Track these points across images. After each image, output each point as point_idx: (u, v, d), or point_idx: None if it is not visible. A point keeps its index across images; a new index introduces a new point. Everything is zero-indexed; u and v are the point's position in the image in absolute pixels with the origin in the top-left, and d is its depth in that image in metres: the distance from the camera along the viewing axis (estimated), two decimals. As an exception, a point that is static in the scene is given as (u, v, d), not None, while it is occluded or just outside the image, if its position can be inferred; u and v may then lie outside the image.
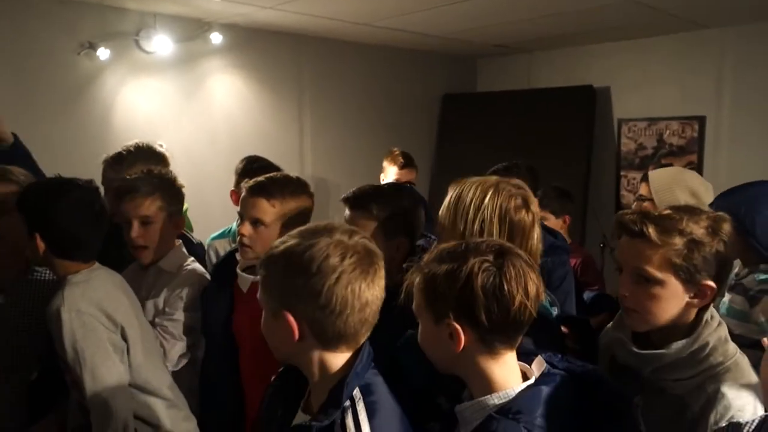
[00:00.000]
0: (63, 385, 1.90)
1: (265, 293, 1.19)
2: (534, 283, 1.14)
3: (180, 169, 2.45)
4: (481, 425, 1.13)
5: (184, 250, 2.23)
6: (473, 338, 1.13)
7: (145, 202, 2.07)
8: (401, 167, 3.95)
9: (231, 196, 3.04)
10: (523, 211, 1.55)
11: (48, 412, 1.99)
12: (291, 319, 1.13)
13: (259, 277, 1.91)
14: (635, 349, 1.38)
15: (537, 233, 1.58)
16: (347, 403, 1.12)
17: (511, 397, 1.14)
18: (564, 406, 1.14)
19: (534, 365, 1.20)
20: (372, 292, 1.15)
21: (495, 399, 1.14)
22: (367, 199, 1.85)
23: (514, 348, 1.18)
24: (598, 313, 2.84)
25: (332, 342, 1.15)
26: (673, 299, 1.33)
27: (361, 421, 1.09)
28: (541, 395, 1.13)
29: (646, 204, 2.70)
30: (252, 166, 3.00)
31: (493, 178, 1.61)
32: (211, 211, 3.57)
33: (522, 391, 1.15)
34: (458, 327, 1.13)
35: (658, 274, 1.32)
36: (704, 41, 4.46)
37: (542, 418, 1.10)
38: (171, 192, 2.15)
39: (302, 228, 1.21)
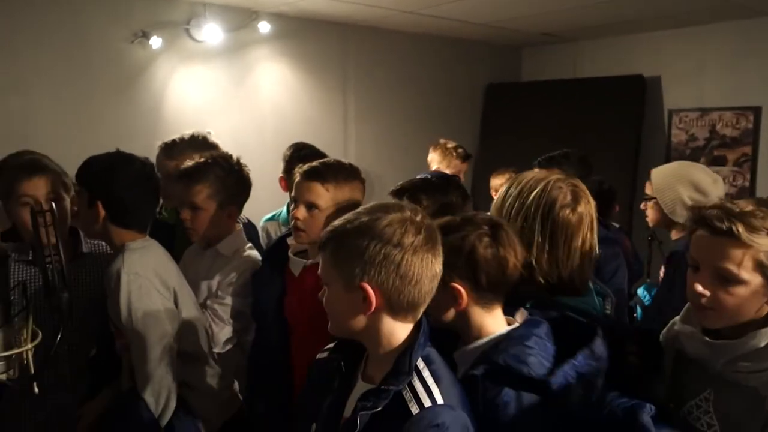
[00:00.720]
0: (119, 360, 1.98)
1: (336, 267, 1.22)
2: (520, 248, 1.38)
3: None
4: (476, 360, 1.30)
5: (244, 236, 2.27)
6: (473, 297, 1.33)
7: (195, 190, 2.12)
8: (463, 160, 3.97)
9: (280, 182, 3.08)
10: (569, 210, 1.50)
11: (105, 387, 2.06)
12: (370, 289, 1.19)
13: (310, 261, 1.98)
14: (709, 339, 1.34)
15: (585, 236, 1.53)
16: None
17: (500, 336, 1.34)
18: (545, 339, 1.32)
19: (517, 315, 1.40)
20: (438, 266, 1.24)
21: (486, 339, 1.34)
22: (416, 191, 1.90)
23: (503, 302, 1.38)
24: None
25: (403, 311, 1.22)
26: (754, 299, 1.29)
27: (430, 386, 1.18)
28: (525, 331, 1.32)
29: (650, 204, 2.63)
30: (300, 153, 3.04)
31: (546, 174, 1.58)
32: (257, 197, 3.62)
33: (509, 330, 1.35)
34: (461, 289, 1.31)
35: (745, 275, 1.27)
36: (760, 28, 4.32)
37: (529, 348, 1.28)
38: (226, 183, 2.17)
39: (368, 206, 1.27)
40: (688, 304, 1.45)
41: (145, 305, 1.82)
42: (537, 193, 1.51)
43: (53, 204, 1.59)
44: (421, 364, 1.21)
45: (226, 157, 2.25)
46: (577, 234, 1.51)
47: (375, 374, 1.25)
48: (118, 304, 1.80)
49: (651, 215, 2.65)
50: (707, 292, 1.31)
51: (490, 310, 1.36)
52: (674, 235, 2.60)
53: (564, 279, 1.52)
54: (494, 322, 1.36)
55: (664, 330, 1.53)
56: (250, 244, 2.26)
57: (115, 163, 1.92)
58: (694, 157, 4.62)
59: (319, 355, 1.42)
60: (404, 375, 1.18)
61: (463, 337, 1.38)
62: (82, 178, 1.93)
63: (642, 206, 2.68)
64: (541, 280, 1.50)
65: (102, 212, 1.88)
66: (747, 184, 4.39)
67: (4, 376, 1.37)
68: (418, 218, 1.23)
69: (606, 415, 1.31)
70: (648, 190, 2.64)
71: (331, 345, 1.38)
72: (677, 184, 2.51)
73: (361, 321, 1.22)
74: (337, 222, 1.25)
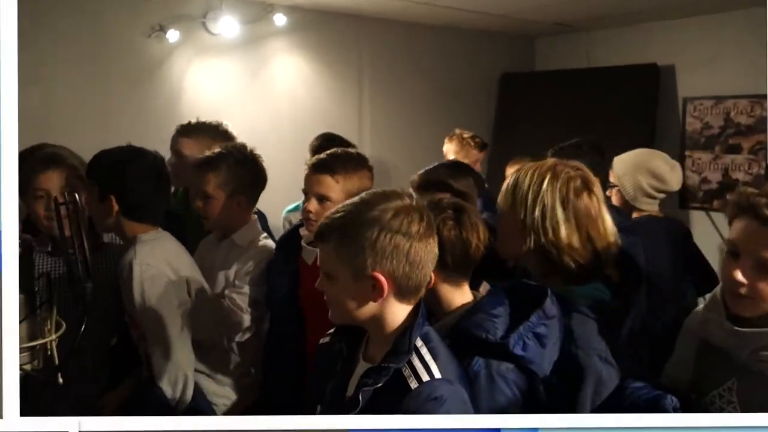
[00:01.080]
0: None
1: (343, 258, 1.25)
2: (483, 230, 1.48)
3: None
4: (452, 327, 1.40)
5: (259, 226, 2.30)
6: (440, 276, 1.43)
7: (206, 179, 2.15)
8: (480, 150, 3.99)
9: None
10: (585, 194, 1.52)
11: (126, 377, 2.09)
12: (382, 277, 1.23)
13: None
14: (736, 328, 1.31)
15: (606, 218, 1.54)
16: None
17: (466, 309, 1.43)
18: (508, 303, 1.40)
19: (481, 289, 1.55)
20: (436, 248, 1.31)
21: (455, 313, 1.43)
22: (443, 176, 2.03)
23: (469, 279, 1.50)
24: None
25: (408, 294, 1.28)
26: None
27: (428, 362, 1.23)
28: (490, 298, 1.43)
29: (613, 191, 2.67)
30: (328, 143, 3.05)
31: (550, 161, 1.59)
32: (274, 188, 3.65)
33: (474, 302, 1.46)
34: None
35: None
36: (776, 16, 4.26)
37: (490, 314, 1.36)
38: (238, 173, 2.18)
39: (366, 195, 1.30)
40: (713, 292, 1.42)
41: (158, 295, 1.84)
42: (548, 180, 1.52)
43: (76, 195, 1.62)
44: (419, 342, 1.25)
45: (240, 148, 2.27)
46: (599, 218, 1.53)
47: (376, 354, 1.29)
48: (131, 294, 1.83)
49: (615, 201, 2.71)
50: (746, 281, 1.29)
51: (457, 286, 1.48)
52: (634, 215, 2.68)
53: (593, 259, 1.52)
54: (462, 297, 1.48)
55: (688, 318, 1.51)
56: (265, 234, 2.28)
57: (127, 157, 1.94)
58: (708, 145, 4.59)
59: (321, 340, 1.47)
60: (404, 354, 1.22)
61: (435, 312, 1.47)
62: (94, 172, 1.95)
63: (607, 193, 2.73)
64: (572, 264, 1.49)
65: (115, 206, 1.90)
66: (762, 171, 4.35)
67: (28, 367, 1.39)
68: (416, 204, 1.30)
69: (627, 407, 1.33)
70: (612, 177, 2.69)
71: (332, 330, 1.43)
72: (636, 173, 2.58)
73: (370, 308, 1.26)
74: (334, 213, 1.28)
